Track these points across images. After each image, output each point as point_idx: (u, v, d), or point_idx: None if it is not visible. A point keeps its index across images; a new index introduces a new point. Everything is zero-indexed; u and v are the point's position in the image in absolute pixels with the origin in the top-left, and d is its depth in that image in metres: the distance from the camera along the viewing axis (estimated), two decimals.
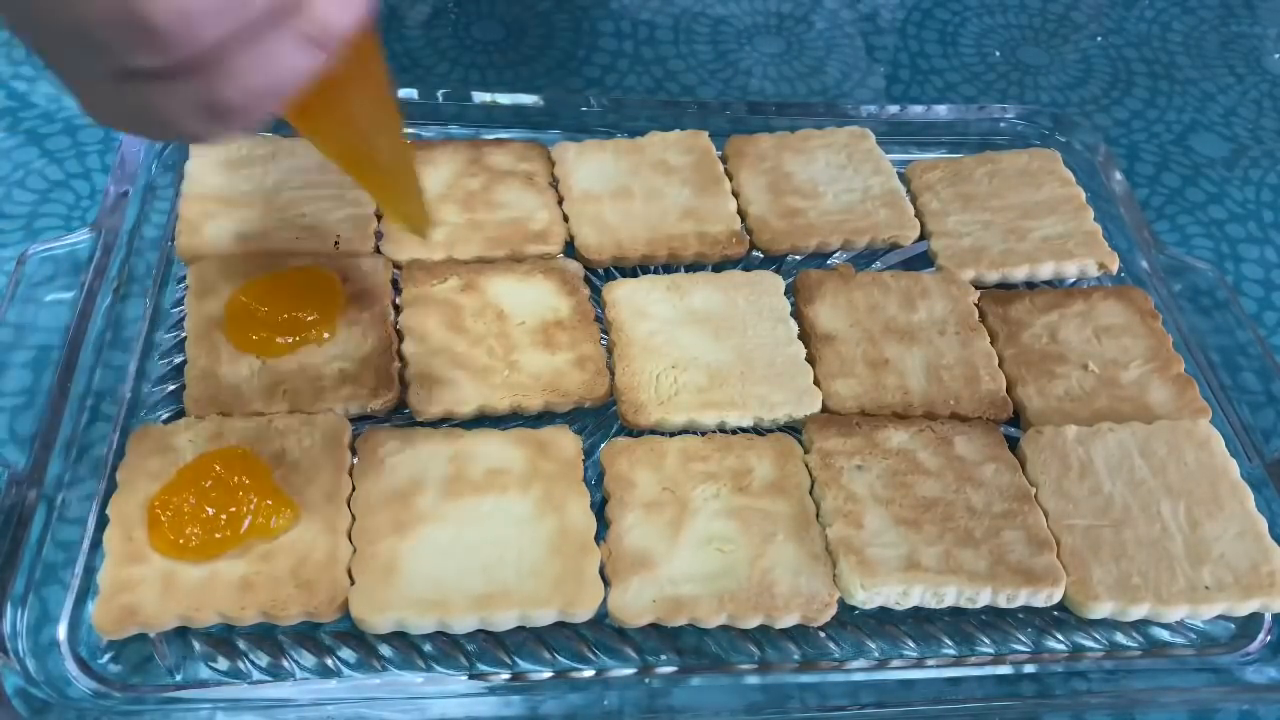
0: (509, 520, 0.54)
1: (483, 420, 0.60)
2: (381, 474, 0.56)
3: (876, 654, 0.54)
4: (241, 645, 0.51)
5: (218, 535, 0.51)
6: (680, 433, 0.60)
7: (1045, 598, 0.55)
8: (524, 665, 0.52)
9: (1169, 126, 0.88)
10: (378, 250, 0.67)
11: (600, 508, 0.56)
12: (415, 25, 0.87)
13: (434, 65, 0.84)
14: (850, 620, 0.55)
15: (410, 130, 0.75)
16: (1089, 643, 0.55)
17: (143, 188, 0.68)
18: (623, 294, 0.66)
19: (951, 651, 0.54)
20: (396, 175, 0.53)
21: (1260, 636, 0.56)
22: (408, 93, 0.76)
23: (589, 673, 0.52)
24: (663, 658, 0.53)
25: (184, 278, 0.64)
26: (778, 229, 0.71)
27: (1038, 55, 0.93)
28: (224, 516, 0.51)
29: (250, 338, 0.59)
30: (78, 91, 0.42)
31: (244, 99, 0.41)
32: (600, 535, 0.55)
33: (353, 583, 0.51)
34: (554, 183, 0.72)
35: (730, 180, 0.74)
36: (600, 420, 0.61)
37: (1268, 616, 0.57)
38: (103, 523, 0.53)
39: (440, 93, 0.76)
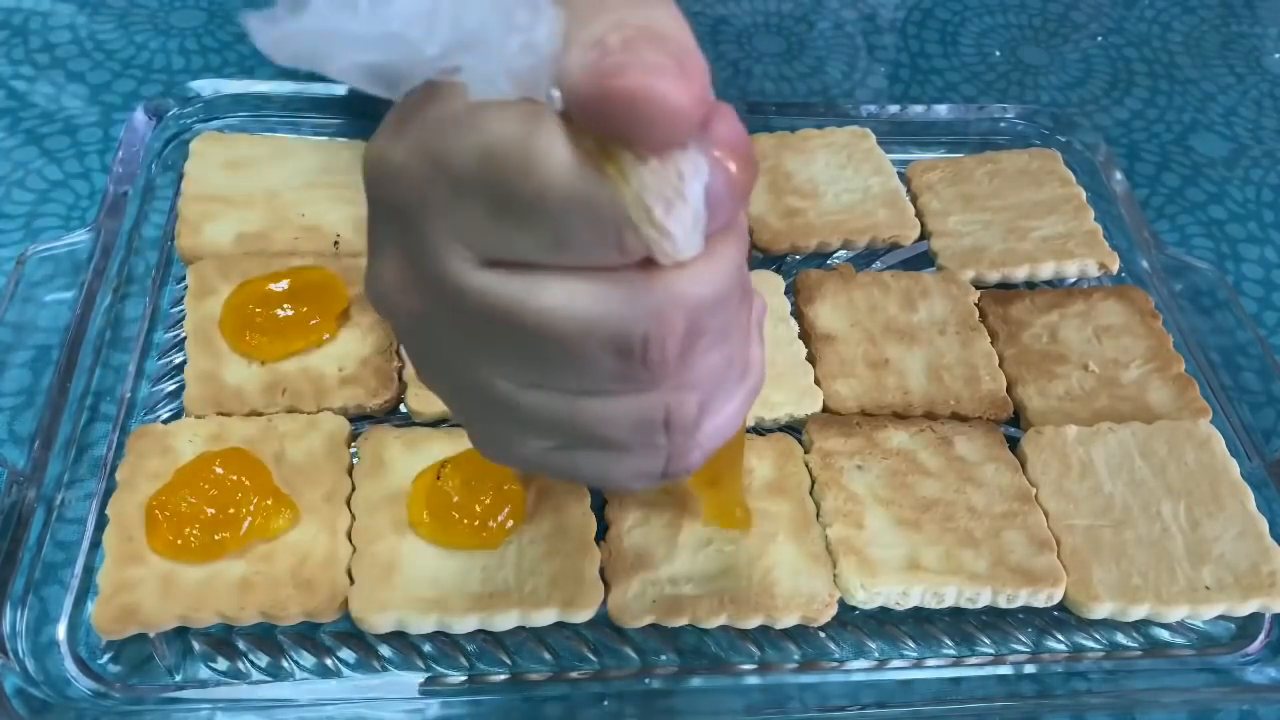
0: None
1: None
2: (381, 474, 0.56)
3: (876, 654, 0.54)
4: (241, 645, 0.51)
5: (217, 536, 0.51)
6: None
7: (1046, 598, 0.55)
8: (524, 665, 0.52)
9: (1169, 126, 0.88)
10: None
11: (600, 508, 0.56)
12: None
13: None
14: (850, 620, 0.55)
15: None
16: (1089, 643, 0.55)
17: (142, 188, 0.68)
18: None
19: (951, 652, 0.54)
20: (735, 489, 0.52)
21: (1260, 637, 0.56)
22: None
23: (589, 673, 0.52)
24: (663, 658, 0.53)
25: (183, 278, 0.64)
26: (778, 229, 0.71)
27: (1038, 55, 0.93)
28: (223, 517, 0.51)
29: (249, 340, 0.59)
30: (506, 443, 0.38)
31: (696, 465, 0.38)
32: (600, 535, 0.55)
33: (352, 583, 0.51)
34: None
35: None
36: None
37: (1268, 617, 0.57)
38: (102, 523, 0.53)
39: None
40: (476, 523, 0.53)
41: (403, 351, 0.61)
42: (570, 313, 0.31)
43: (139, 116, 0.71)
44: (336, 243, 0.66)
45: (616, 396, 0.34)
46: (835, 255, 0.72)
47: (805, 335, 0.65)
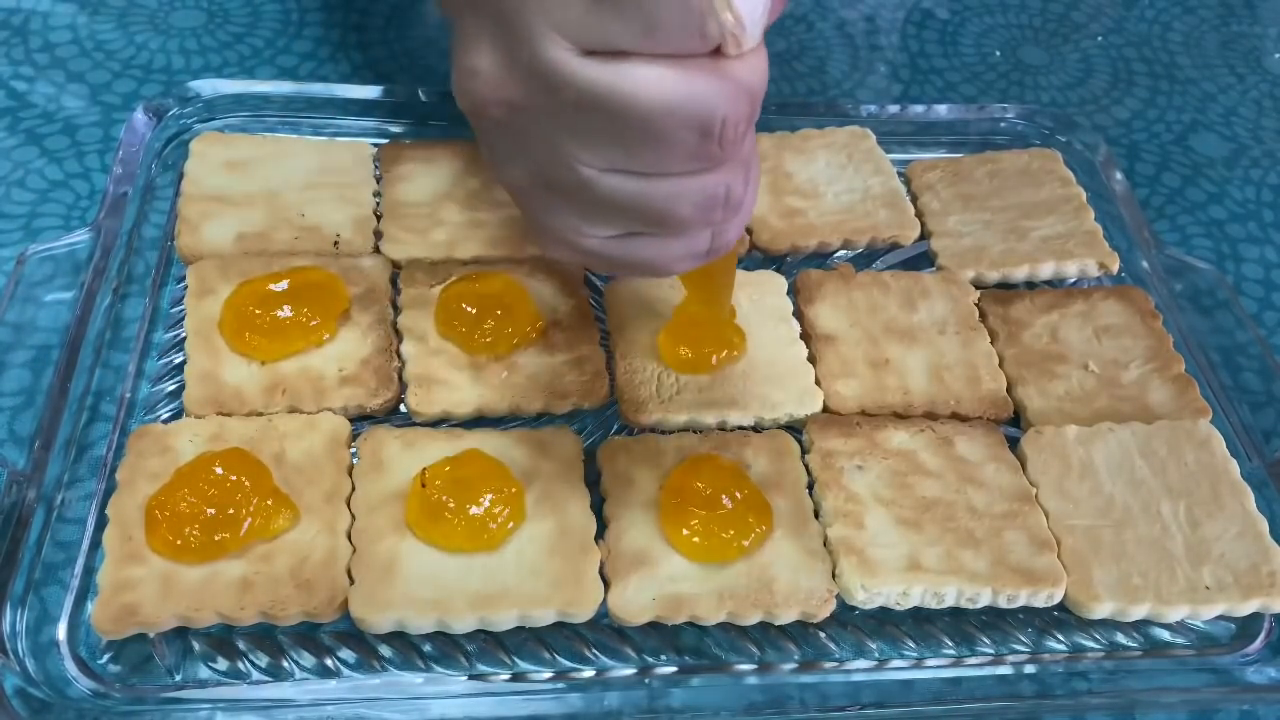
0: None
1: (482, 421, 0.60)
2: (381, 474, 0.56)
3: (876, 654, 0.54)
4: (241, 645, 0.51)
5: (217, 536, 0.51)
6: (680, 431, 0.60)
7: (1046, 598, 0.55)
8: (524, 665, 0.52)
9: (1169, 126, 0.88)
10: (377, 250, 0.67)
11: (599, 507, 0.56)
12: (416, 25, 0.87)
13: (435, 65, 0.84)
14: (850, 620, 0.55)
15: (412, 129, 0.75)
16: (1089, 643, 0.55)
17: (142, 188, 0.68)
18: (626, 292, 0.66)
19: (951, 652, 0.54)
20: (724, 293, 0.59)
21: (1260, 637, 0.56)
22: (409, 93, 0.76)
23: (589, 673, 0.52)
24: (663, 658, 0.53)
25: (183, 278, 0.64)
26: (778, 229, 0.71)
27: (1038, 55, 0.93)
28: (223, 517, 0.51)
29: (248, 340, 0.59)
30: (569, 236, 0.44)
31: (734, 241, 0.45)
32: (598, 535, 0.55)
33: (352, 583, 0.51)
34: None
35: None
36: (600, 420, 0.61)
37: (1268, 617, 0.57)
38: (102, 523, 0.53)
39: (440, 93, 0.76)
40: (476, 525, 0.53)
41: (402, 351, 0.61)
42: (659, 92, 0.36)
43: (139, 116, 0.71)
44: (336, 243, 0.66)
45: (687, 177, 0.40)
46: (835, 255, 0.72)
47: (806, 335, 0.65)
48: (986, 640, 0.55)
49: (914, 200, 0.74)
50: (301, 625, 0.52)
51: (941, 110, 0.81)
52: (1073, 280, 0.71)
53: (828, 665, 0.53)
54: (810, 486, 0.58)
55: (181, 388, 0.59)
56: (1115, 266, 0.71)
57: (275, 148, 0.71)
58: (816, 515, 0.57)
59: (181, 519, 0.51)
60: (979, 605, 0.55)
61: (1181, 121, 0.88)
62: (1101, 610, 0.54)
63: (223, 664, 0.51)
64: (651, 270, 0.47)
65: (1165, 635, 0.56)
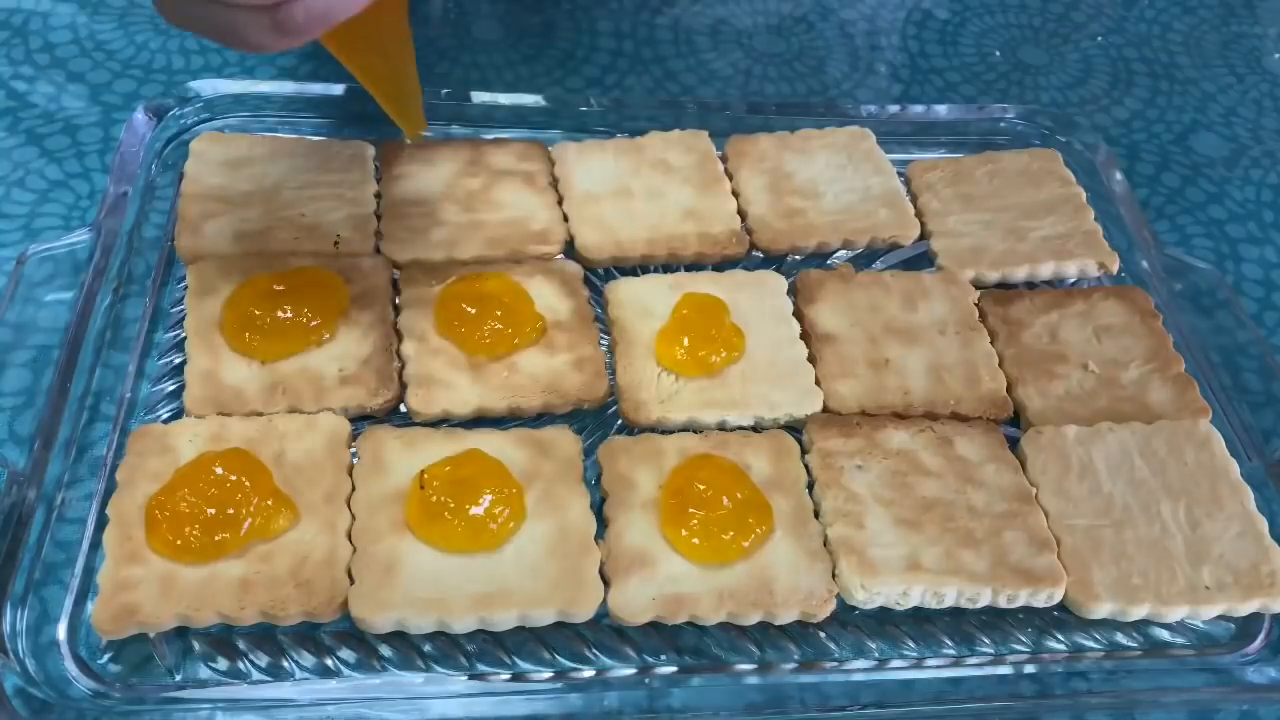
0: None
1: (482, 421, 0.60)
2: (381, 474, 0.56)
3: (876, 654, 0.54)
4: (241, 645, 0.51)
5: (217, 536, 0.51)
6: (680, 431, 0.60)
7: (1046, 598, 0.55)
8: (524, 665, 0.52)
9: (1169, 126, 0.88)
10: (378, 250, 0.67)
11: (599, 507, 0.56)
12: (415, 25, 0.87)
13: (434, 65, 0.84)
14: (850, 620, 0.55)
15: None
16: (1089, 643, 0.55)
17: (142, 188, 0.68)
18: (626, 292, 0.66)
19: (951, 651, 0.54)
20: (401, 83, 0.63)
21: (1260, 637, 0.56)
22: None
23: (589, 673, 0.52)
24: (663, 658, 0.53)
25: (184, 278, 0.64)
26: (778, 229, 0.71)
27: (1038, 55, 0.93)
28: (223, 517, 0.51)
29: (249, 340, 0.59)
30: None
31: (307, 22, 0.49)
32: (599, 534, 0.55)
33: (352, 582, 0.51)
34: (554, 183, 0.72)
35: (730, 180, 0.74)
36: (600, 420, 0.61)
37: (1268, 617, 0.57)
38: (102, 523, 0.53)
39: (440, 93, 0.76)
40: (476, 525, 0.53)
41: (402, 351, 0.61)
42: None
43: (139, 116, 0.71)
44: (336, 243, 0.66)
45: None
46: (835, 255, 0.72)
47: (806, 335, 0.65)
48: (986, 640, 0.55)
49: (914, 200, 0.74)
50: (301, 625, 0.52)
51: (941, 110, 0.81)
52: (1073, 280, 0.71)
53: (828, 665, 0.53)
54: (810, 486, 0.58)
55: (181, 388, 0.59)
56: (1115, 266, 0.71)
57: (275, 147, 0.71)
58: (816, 515, 0.57)
59: (181, 519, 0.51)
60: (979, 605, 0.55)
61: (1181, 121, 0.88)
62: (1101, 610, 0.55)
63: (223, 664, 0.51)
64: (221, 32, 0.49)
65: (1165, 635, 0.56)
